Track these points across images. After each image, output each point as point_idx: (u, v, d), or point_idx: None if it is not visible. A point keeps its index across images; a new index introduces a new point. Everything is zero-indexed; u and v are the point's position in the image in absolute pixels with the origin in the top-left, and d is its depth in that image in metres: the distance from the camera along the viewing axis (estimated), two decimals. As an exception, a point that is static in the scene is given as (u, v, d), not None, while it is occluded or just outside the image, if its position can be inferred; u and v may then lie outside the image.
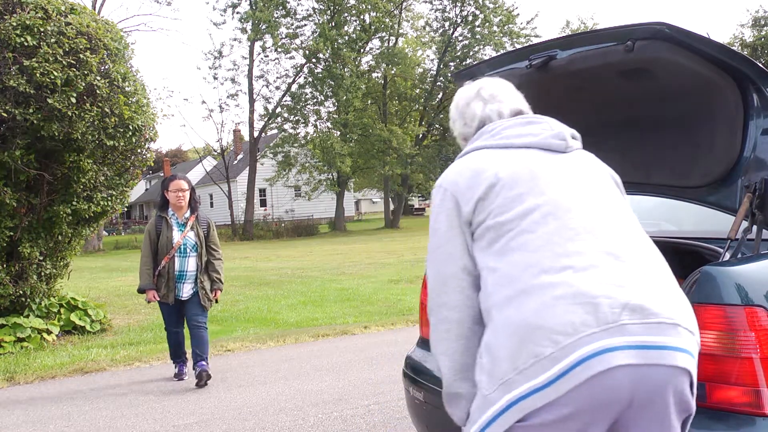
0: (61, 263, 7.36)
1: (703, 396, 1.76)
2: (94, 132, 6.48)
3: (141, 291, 5.21)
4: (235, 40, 48.40)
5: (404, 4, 36.84)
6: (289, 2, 34.20)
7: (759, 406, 1.69)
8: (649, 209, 3.18)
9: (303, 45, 34.91)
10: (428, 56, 40.83)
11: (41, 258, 6.98)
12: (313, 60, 34.89)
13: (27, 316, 6.91)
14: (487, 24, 36.77)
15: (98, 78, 6.42)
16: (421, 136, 38.79)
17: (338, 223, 37.35)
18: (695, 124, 2.36)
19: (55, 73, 6.02)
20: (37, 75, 5.95)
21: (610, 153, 2.65)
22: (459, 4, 36.99)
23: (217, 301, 5.35)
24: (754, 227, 2.14)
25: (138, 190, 55.13)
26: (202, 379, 5.03)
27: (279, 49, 34.81)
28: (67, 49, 6.20)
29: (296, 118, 36.10)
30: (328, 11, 34.94)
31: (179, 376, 5.36)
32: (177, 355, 5.42)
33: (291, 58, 38.35)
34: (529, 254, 1.49)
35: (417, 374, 2.72)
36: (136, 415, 4.45)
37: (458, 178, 1.64)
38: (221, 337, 6.95)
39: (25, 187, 6.56)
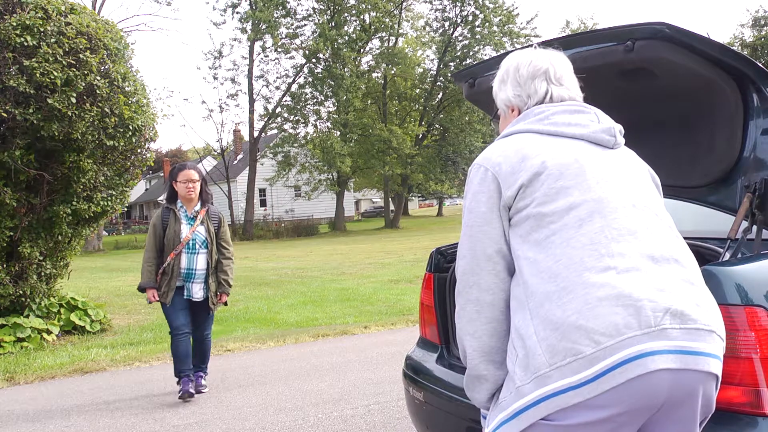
0: (61, 263, 7.36)
1: (703, 396, 1.76)
2: (94, 132, 6.48)
3: (141, 289, 4.75)
4: (235, 40, 48.42)
5: (404, 4, 36.85)
6: (289, 2, 34.23)
7: (759, 406, 1.69)
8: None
9: (303, 45, 34.93)
10: (428, 56, 40.87)
11: (41, 258, 6.98)
12: (313, 60, 34.90)
13: (27, 316, 6.91)
14: (487, 24, 36.78)
15: (98, 78, 6.42)
16: (421, 136, 38.79)
17: (338, 223, 37.36)
18: (695, 124, 2.36)
19: (55, 73, 6.02)
20: (37, 75, 5.95)
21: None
22: (459, 4, 36.99)
23: (225, 304, 4.91)
24: (754, 227, 2.14)
25: (138, 190, 55.15)
26: (200, 390, 4.81)
27: (279, 49, 34.85)
28: (67, 49, 6.20)
29: (296, 118, 36.13)
30: (328, 11, 34.95)
31: (184, 395, 4.67)
32: (183, 369, 4.76)
33: (291, 58, 38.41)
34: (572, 251, 1.47)
35: (417, 374, 2.72)
36: (136, 414, 4.45)
37: (502, 160, 1.59)
38: (221, 337, 6.95)
39: (25, 187, 6.56)
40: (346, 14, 35.35)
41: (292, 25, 35.17)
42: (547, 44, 2.41)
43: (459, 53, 37.99)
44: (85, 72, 6.28)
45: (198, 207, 4.79)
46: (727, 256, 2.09)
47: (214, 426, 4.12)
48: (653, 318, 1.39)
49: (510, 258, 1.57)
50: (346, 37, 34.67)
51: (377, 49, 38.13)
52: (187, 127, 65.76)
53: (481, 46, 37.38)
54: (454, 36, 38.03)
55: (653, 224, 1.55)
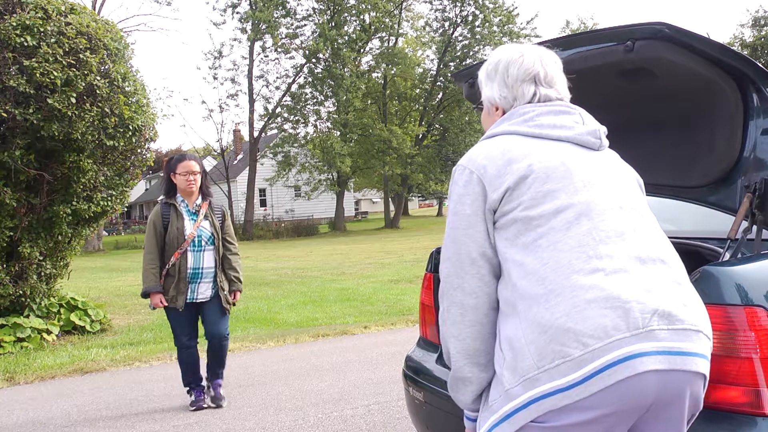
0: (61, 263, 7.37)
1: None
2: (94, 132, 6.48)
3: (145, 295, 4.32)
4: (235, 40, 48.40)
5: (404, 4, 36.85)
6: (289, 2, 34.22)
7: (759, 406, 1.69)
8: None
9: (303, 45, 34.93)
10: (428, 56, 40.87)
11: (41, 258, 6.98)
12: (313, 60, 34.90)
13: (27, 316, 6.91)
14: (487, 24, 36.79)
15: (98, 78, 6.42)
16: (421, 136, 38.80)
17: (338, 223, 37.36)
18: (695, 124, 2.36)
19: (55, 73, 6.02)
20: (37, 75, 5.95)
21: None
22: (459, 4, 36.99)
23: (234, 305, 4.55)
24: (754, 227, 2.14)
25: (138, 190, 55.14)
26: (219, 403, 4.46)
27: (279, 49, 34.85)
28: (67, 49, 6.20)
29: (296, 118, 36.13)
30: (328, 11, 34.95)
31: (197, 403, 4.45)
32: (192, 379, 4.51)
33: (291, 58, 38.43)
34: (560, 254, 1.48)
35: (417, 374, 2.72)
36: (136, 415, 4.45)
37: (487, 162, 1.59)
38: (221, 337, 6.95)
39: (25, 187, 6.56)
40: (346, 14, 35.35)
41: (292, 25, 35.18)
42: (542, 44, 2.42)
43: (459, 53, 37.99)
44: (85, 72, 6.28)
45: (199, 201, 4.44)
46: (727, 256, 2.09)
47: (214, 426, 4.12)
48: (641, 319, 1.40)
49: (494, 261, 1.57)
50: (346, 37, 34.67)
51: (377, 49, 38.15)
52: (187, 127, 65.89)
53: (481, 46, 37.37)
54: (454, 36, 38.04)
55: (640, 225, 1.56)
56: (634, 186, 1.67)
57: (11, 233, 6.52)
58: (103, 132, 6.56)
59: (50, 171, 6.61)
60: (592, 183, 1.57)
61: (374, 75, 37.98)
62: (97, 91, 6.40)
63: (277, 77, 39.00)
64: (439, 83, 38.25)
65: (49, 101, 6.02)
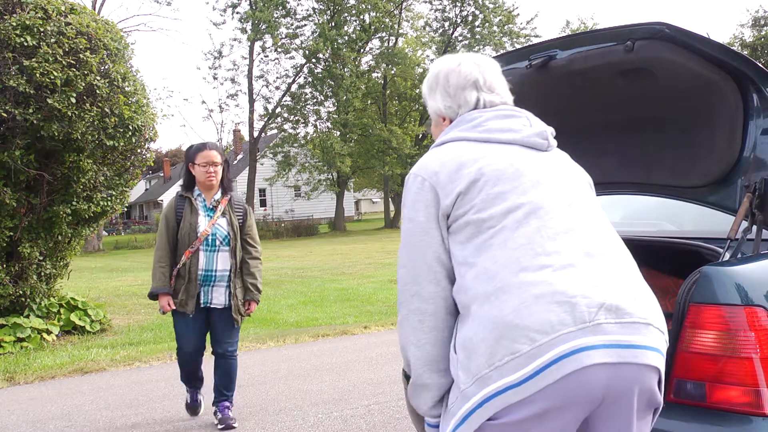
0: (61, 263, 7.37)
1: (703, 396, 1.76)
2: (94, 132, 6.48)
3: (153, 296, 3.92)
4: (235, 40, 48.45)
5: (404, 4, 36.86)
6: (289, 2, 34.22)
7: (759, 406, 1.69)
8: (649, 209, 3.19)
9: (303, 45, 34.93)
10: (428, 56, 40.85)
11: (41, 258, 6.98)
12: (313, 60, 34.90)
13: (27, 316, 6.91)
14: (487, 24, 36.81)
15: (98, 78, 6.42)
16: (421, 136, 38.80)
17: (338, 223, 37.37)
18: (695, 124, 2.36)
19: (55, 73, 6.02)
20: (37, 75, 5.95)
21: (610, 153, 2.67)
22: (459, 4, 37.01)
23: (249, 315, 4.11)
24: (754, 227, 2.14)
25: (138, 190, 55.15)
26: (230, 423, 4.01)
27: (279, 49, 34.84)
28: (67, 49, 6.20)
29: (296, 118, 36.14)
30: (328, 11, 34.95)
31: (193, 406, 4.25)
32: (191, 380, 4.21)
33: (291, 58, 38.41)
34: (509, 251, 1.49)
35: (417, 374, 2.72)
36: (136, 415, 4.45)
37: (439, 169, 1.61)
38: (221, 337, 6.95)
39: (25, 187, 6.56)
40: (346, 14, 35.35)
41: (292, 25, 35.18)
42: (534, 47, 2.43)
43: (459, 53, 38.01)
44: (85, 72, 6.28)
45: (218, 195, 3.99)
46: (727, 256, 2.09)
47: (214, 426, 4.12)
48: (587, 313, 1.40)
49: (450, 266, 1.59)
50: (346, 37, 34.68)
51: (377, 49, 38.15)
52: (187, 127, 66.00)
53: (481, 46, 37.38)
54: (454, 36, 38.05)
55: (588, 222, 1.58)
56: (583, 185, 1.69)
57: (11, 233, 6.52)
58: (103, 132, 6.56)
59: (50, 171, 6.61)
60: (540, 183, 1.59)
61: (374, 75, 37.99)
62: (97, 91, 6.40)
63: (277, 77, 39.06)
64: (439, 83, 38.21)
65: (49, 101, 6.02)
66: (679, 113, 2.38)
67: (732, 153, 2.26)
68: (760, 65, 2.08)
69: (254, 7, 33.02)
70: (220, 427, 4.03)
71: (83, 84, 6.23)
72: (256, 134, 35.33)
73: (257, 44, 34.63)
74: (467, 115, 1.72)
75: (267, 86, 39.05)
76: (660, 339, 1.48)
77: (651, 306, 1.50)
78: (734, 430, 1.71)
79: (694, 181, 2.44)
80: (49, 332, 6.94)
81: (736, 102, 2.16)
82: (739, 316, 1.71)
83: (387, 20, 35.88)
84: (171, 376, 5.45)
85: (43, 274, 7.09)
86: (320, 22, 34.47)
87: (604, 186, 2.77)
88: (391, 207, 40.23)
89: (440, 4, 37.80)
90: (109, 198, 7.23)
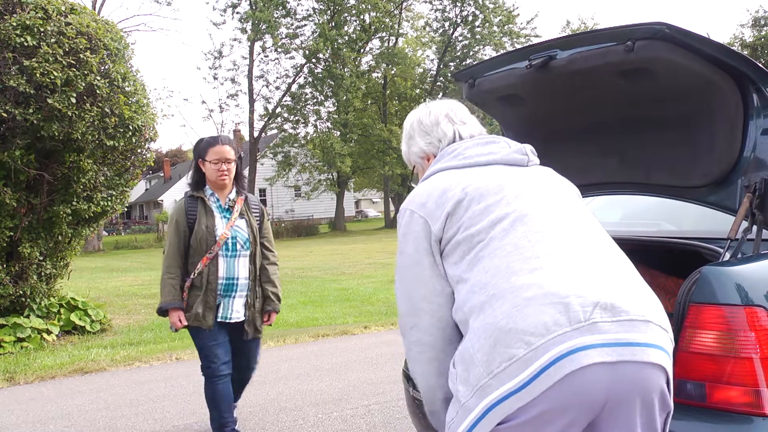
0: (61, 263, 7.37)
1: (703, 396, 1.76)
2: (94, 132, 6.48)
3: (162, 312, 3.42)
4: (235, 40, 48.44)
5: (404, 4, 36.86)
6: (289, 2, 34.23)
7: (759, 406, 1.69)
8: (649, 209, 3.19)
9: (303, 45, 34.94)
10: (428, 56, 40.89)
11: (41, 258, 6.98)
12: (313, 60, 34.91)
13: (27, 316, 6.91)
14: (487, 24, 36.81)
15: (98, 78, 6.42)
16: (421, 136, 38.78)
17: (338, 223, 37.37)
18: (695, 124, 2.36)
19: (55, 73, 6.02)
20: (37, 75, 5.95)
21: (610, 153, 2.66)
22: (459, 4, 37.01)
23: (270, 324, 3.68)
24: (754, 227, 2.14)
25: (138, 190, 55.16)
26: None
27: (279, 49, 34.85)
28: (67, 49, 6.20)
29: (296, 118, 36.16)
30: (328, 11, 34.96)
31: None
32: (227, 419, 3.49)
33: (291, 58, 38.42)
34: (499, 260, 1.50)
35: (417, 374, 2.72)
36: (136, 414, 4.45)
37: (426, 199, 1.66)
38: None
39: (25, 187, 6.56)
40: (346, 14, 35.36)
41: (292, 25, 35.19)
42: (535, 47, 2.43)
43: (459, 53, 38.01)
44: (85, 72, 6.27)
45: (233, 195, 3.56)
46: (727, 256, 2.09)
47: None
48: (582, 313, 1.39)
49: (446, 292, 1.61)
50: (346, 37, 34.68)
51: (377, 49, 38.16)
52: (187, 127, 65.80)
53: (481, 47, 37.41)
54: (454, 36, 38.06)
55: (577, 224, 1.59)
56: (569, 193, 1.71)
57: (11, 233, 6.52)
58: (103, 132, 6.56)
59: (50, 171, 6.61)
60: (523, 193, 1.62)
61: (374, 75, 38.00)
62: (97, 91, 6.39)
63: (277, 77, 39.10)
64: (439, 83, 38.26)
65: (49, 101, 6.02)
66: (679, 113, 2.38)
67: (732, 153, 2.25)
68: (760, 65, 2.08)
69: (254, 7, 33.03)
70: None
71: (83, 84, 6.23)
72: (256, 134, 35.34)
73: (257, 44, 34.67)
74: (447, 148, 1.80)
75: (267, 86, 39.15)
76: (663, 336, 1.45)
77: (650, 303, 1.48)
78: (734, 430, 1.71)
79: (694, 181, 2.44)
80: (49, 332, 6.94)
81: (736, 102, 2.16)
82: (739, 316, 1.71)
83: (387, 20, 35.88)
84: (171, 376, 5.45)
85: (43, 274, 7.09)
86: (320, 22, 34.48)
87: (604, 186, 2.77)
88: (392, 207, 40.23)
89: (440, 4, 37.83)
90: (109, 198, 7.23)
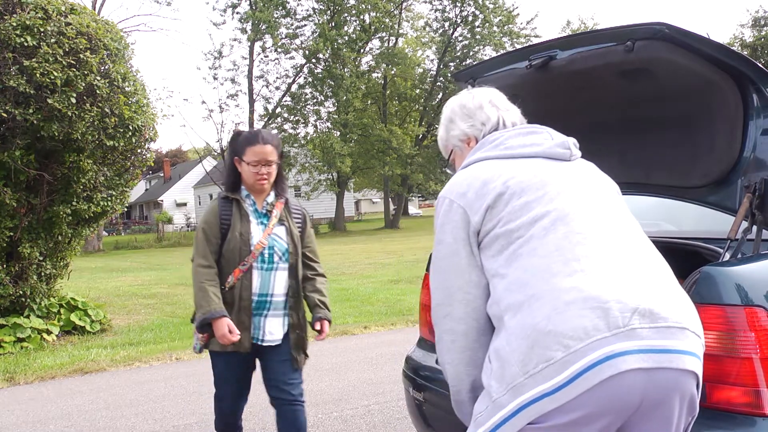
0: (61, 263, 7.36)
1: (703, 396, 1.76)
2: (94, 132, 6.48)
3: (204, 325, 2.75)
4: (235, 40, 48.45)
5: (404, 4, 36.88)
6: (289, 2, 34.25)
7: (759, 406, 1.69)
8: (649, 209, 3.18)
9: (303, 45, 34.95)
10: (428, 56, 40.89)
11: (41, 258, 6.98)
12: (313, 60, 34.92)
13: (27, 317, 6.91)
14: (487, 24, 36.81)
15: (98, 78, 6.42)
16: (421, 136, 38.80)
17: (338, 223, 37.36)
18: (695, 124, 2.36)
19: (55, 73, 6.02)
20: (37, 75, 5.95)
21: (610, 153, 2.66)
22: (459, 5, 37.01)
23: (322, 339, 3.04)
24: (754, 227, 2.14)
25: (138, 190, 55.17)
26: None
27: (279, 50, 34.86)
28: (67, 49, 6.20)
29: (296, 118, 36.17)
30: (328, 11, 34.96)
31: None
32: (229, 430, 3.24)
33: (291, 58, 38.44)
34: (539, 259, 1.49)
35: (417, 374, 2.72)
36: (136, 415, 4.45)
37: (466, 189, 1.63)
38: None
39: (25, 187, 6.56)
40: (346, 14, 35.36)
41: (292, 25, 35.21)
42: (535, 47, 2.43)
43: (459, 53, 38.00)
44: (85, 72, 6.27)
45: (272, 198, 2.99)
46: (727, 256, 2.09)
47: (213, 426, 4.12)
48: (621, 318, 1.40)
49: (482, 284, 1.60)
50: (346, 37, 34.69)
51: (377, 49, 38.17)
52: (187, 127, 65.57)
53: (481, 47, 37.39)
54: (454, 36, 38.05)
55: (618, 226, 1.58)
56: (610, 191, 1.70)
57: (11, 233, 6.52)
58: (103, 132, 6.56)
59: (50, 171, 6.61)
60: (565, 191, 1.60)
61: (374, 75, 38.00)
62: (97, 91, 6.39)
63: (277, 77, 39.06)
64: (439, 83, 38.25)
65: (49, 101, 6.02)
66: (679, 113, 2.38)
67: (732, 153, 2.25)
68: (760, 65, 2.08)
69: (254, 8, 33.04)
70: None
71: (83, 84, 6.22)
72: (256, 134, 35.33)
73: (257, 44, 34.68)
74: (489, 136, 1.76)
75: (267, 86, 39.07)
76: (697, 343, 1.47)
77: (687, 310, 1.49)
78: (734, 430, 1.71)
79: (694, 181, 2.44)
80: (49, 332, 6.94)
81: (736, 102, 2.16)
82: (739, 316, 1.71)
83: (387, 20, 35.89)
84: (171, 376, 5.45)
85: (43, 274, 7.09)
86: (320, 22, 34.48)
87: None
88: (392, 207, 40.23)
89: (440, 4, 37.83)
90: (109, 198, 7.23)
